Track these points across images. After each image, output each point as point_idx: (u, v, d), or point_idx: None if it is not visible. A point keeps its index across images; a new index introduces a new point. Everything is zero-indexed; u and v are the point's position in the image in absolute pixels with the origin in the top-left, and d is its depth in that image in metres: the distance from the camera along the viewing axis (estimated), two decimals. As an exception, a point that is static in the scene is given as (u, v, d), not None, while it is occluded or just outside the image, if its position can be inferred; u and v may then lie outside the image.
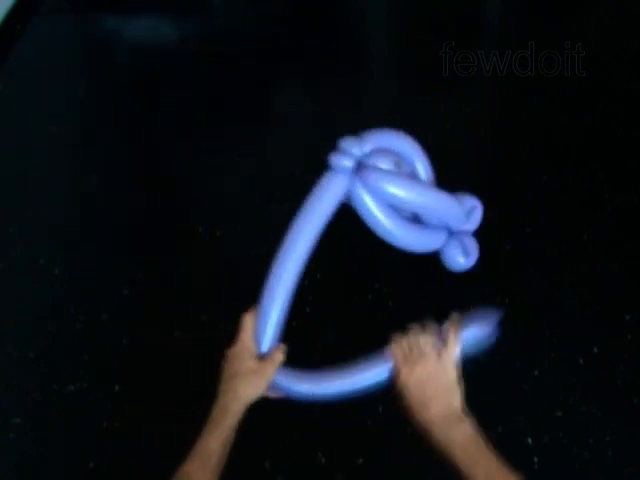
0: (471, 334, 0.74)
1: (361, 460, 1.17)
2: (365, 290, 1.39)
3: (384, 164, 0.71)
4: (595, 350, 1.29)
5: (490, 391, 1.24)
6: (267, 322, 0.71)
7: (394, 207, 0.71)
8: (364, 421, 1.21)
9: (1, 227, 1.62)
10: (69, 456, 1.23)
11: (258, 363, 0.68)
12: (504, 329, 1.35)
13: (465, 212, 0.81)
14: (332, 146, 0.79)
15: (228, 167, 1.69)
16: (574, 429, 1.19)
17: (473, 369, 1.32)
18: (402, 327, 0.80)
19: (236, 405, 0.66)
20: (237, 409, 0.66)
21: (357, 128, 0.65)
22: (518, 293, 1.39)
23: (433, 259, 1.34)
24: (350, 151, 0.72)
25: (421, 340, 0.70)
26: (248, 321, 0.73)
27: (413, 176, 0.78)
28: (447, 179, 1.17)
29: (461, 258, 0.79)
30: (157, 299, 1.44)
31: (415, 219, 0.80)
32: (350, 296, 1.40)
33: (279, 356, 0.71)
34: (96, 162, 1.79)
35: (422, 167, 0.81)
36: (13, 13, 2.18)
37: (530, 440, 1.18)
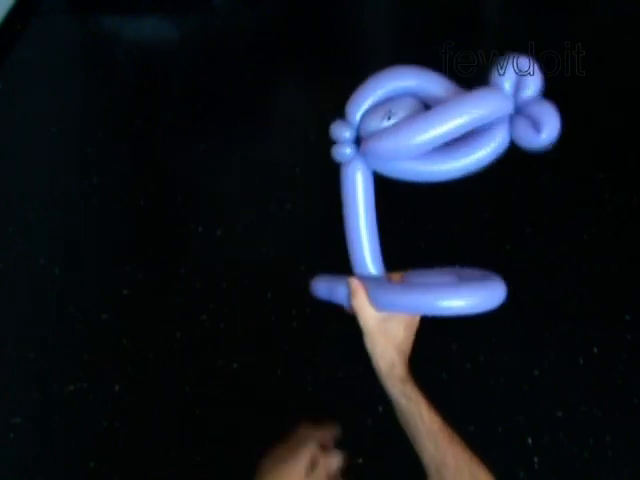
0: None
1: (361, 460, 1.17)
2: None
3: (377, 122, 0.61)
4: (595, 350, 1.29)
5: (490, 391, 1.24)
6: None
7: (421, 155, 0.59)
8: (364, 421, 1.21)
9: (1, 227, 1.62)
10: (69, 456, 1.22)
11: None
12: (504, 329, 1.36)
13: (508, 92, 0.59)
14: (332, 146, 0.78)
15: (228, 167, 1.69)
16: (574, 429, 1.19)
17: (473, 369, 1.33)
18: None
19: None
20: None
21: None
22: (518, 293, 1.39)
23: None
24: (343, 136, 0.64)
25: None
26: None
27: (417, 110, 0.62)
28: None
29: (533, 134, 0.58)
30: (157, 299, 1.44)
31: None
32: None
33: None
34: (96, 162, 1.78)
35: (427, 87, 0.62)
36: (13, 13, 2.18)
37: (530, 440, 1.18)
